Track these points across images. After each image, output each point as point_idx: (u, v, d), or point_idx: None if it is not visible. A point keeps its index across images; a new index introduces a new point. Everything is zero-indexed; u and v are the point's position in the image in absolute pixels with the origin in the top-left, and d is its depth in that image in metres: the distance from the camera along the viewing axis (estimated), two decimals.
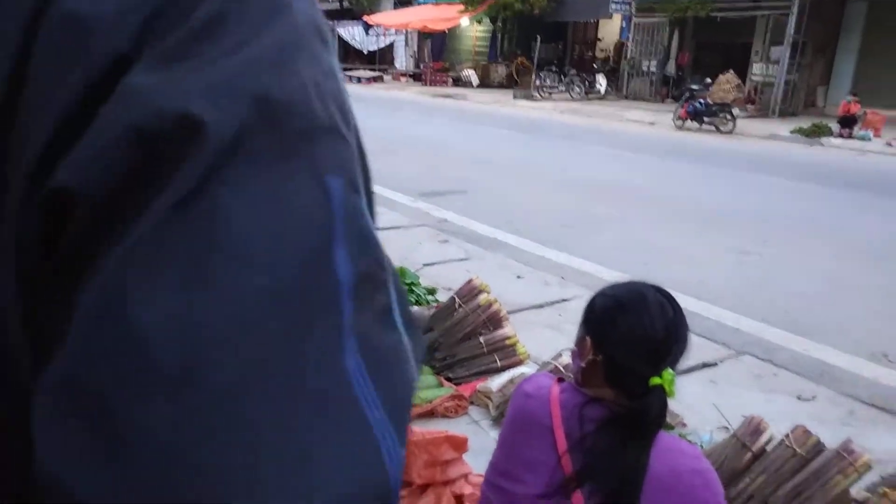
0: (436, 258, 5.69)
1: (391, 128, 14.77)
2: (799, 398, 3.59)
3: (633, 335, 1.38)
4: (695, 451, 1.39)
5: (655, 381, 1.32)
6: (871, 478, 2.36)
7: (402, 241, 6.12)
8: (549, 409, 1.42)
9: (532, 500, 1.40)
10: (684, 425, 2.88)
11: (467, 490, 2.14)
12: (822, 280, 5.81)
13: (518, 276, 5.39)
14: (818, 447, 2.33)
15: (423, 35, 30.40)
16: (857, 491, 2.23)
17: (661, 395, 1.33)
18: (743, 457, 2.38)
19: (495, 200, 8.28)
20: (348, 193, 0.34)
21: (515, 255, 6.06)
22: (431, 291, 4.29)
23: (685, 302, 5.58)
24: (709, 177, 10.58)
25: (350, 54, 33.17)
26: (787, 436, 2.36)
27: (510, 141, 13.95)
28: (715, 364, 3.96)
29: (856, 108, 15.78)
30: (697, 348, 4.17)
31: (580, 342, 1.47)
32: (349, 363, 0.31)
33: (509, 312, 4.43)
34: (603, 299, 1.48)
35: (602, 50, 27.67)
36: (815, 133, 15.38)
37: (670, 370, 1.35)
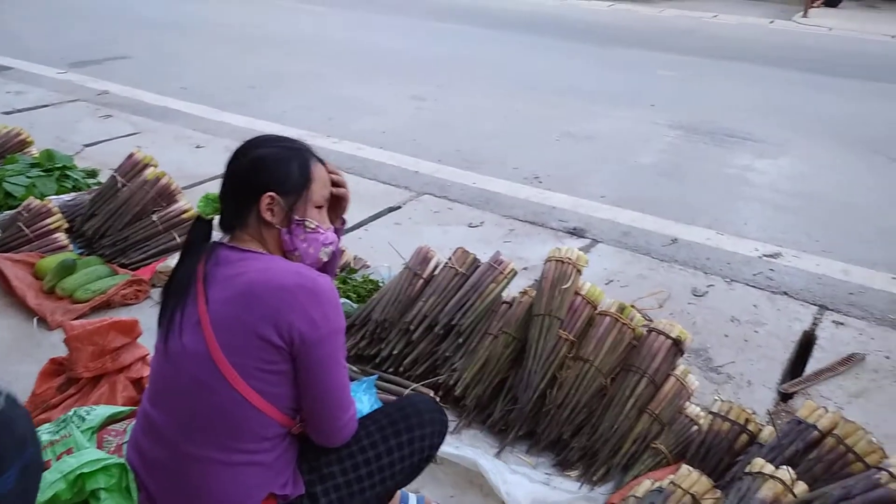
0: (99, 136, 5.06)
1: None
2: (470, 226, 4.00)
3: None
4: (313, 274, 1.44)
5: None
6: (521, 282, 2.75)
7: (54, 121, 5.31)
8: None
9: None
10: (367, 266, 3.05)
11: (146, 371, 2.05)
12: (486, 117, 6.38)
13: (197, 146, 5.05)
14: (475, 263, 2.63)
15: None
16: (507, 294, 2.60)
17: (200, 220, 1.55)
18: (416, 284, 2.61)
19: (165, 65, 7.50)
20: None
21: (193, 124, 5.64)
22: (92, 174, 3.82)
23: (370, 153, 5.73)
24: (392, 26, 10.70)
25: None
26: (449, 258, 2.63)
27: None
28: (399, 207, 4.21)
29: None
30: (383, 194, 4.42)
31: None
32: None
33: (192, 185, 4.18)
34: None
35: None
36: None
37: (213, 193, 1.53)
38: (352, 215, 3.89)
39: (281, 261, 1.47)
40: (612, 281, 3.39)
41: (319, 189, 1.54)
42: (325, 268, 1.61)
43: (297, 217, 1.50)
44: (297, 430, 1.52)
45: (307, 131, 5.41)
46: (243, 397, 1.38)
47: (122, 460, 1.52)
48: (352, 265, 2.99)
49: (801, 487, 1.62)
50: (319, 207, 1.55)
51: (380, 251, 3.39)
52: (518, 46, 9.68)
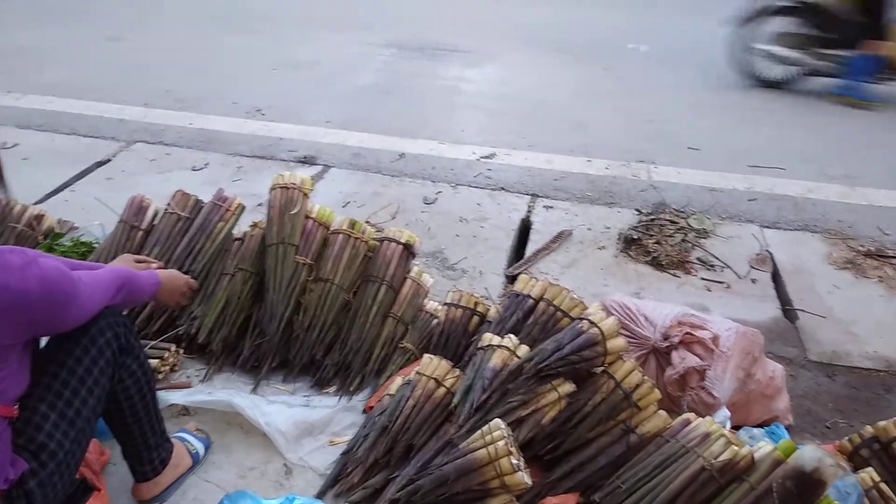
0: None
1: None
2: (193, 169, 3.76)
3: None
4: (22, 285, 1.26)
5: None
6: (249, 217, 2.64)
7: None
8: None
9: None
10: (75, 228, 2.73)
11: None
12: (190, 53, 5.93)
13: None
14: (198, 205, 2.49)
15: None
16: (238, 231, 2.50)
17: None
18: (136, 237, 2.40)
19: None
20: None
21: None
22: None
23: (64, 105, 5.05)
24: None
25: None
26: (168, 204, 2.46)
27: None
28: (108, 160, 3.82)
29: None
30: (87, 149, 3.95)
31: None
32: None
33: None
34: None
35: None
36: None
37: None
38: (53, 176, 3.52)
39: None
40: (349, 203, 3.44)
41: None
42: None
43: None
44: (17, 414, 1.36)
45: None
46: None
47: None
48: (56, 230, 2.66)
49: (523, 350, 1.83)
50: None
51: (92, 212, 3.05)
52: None
